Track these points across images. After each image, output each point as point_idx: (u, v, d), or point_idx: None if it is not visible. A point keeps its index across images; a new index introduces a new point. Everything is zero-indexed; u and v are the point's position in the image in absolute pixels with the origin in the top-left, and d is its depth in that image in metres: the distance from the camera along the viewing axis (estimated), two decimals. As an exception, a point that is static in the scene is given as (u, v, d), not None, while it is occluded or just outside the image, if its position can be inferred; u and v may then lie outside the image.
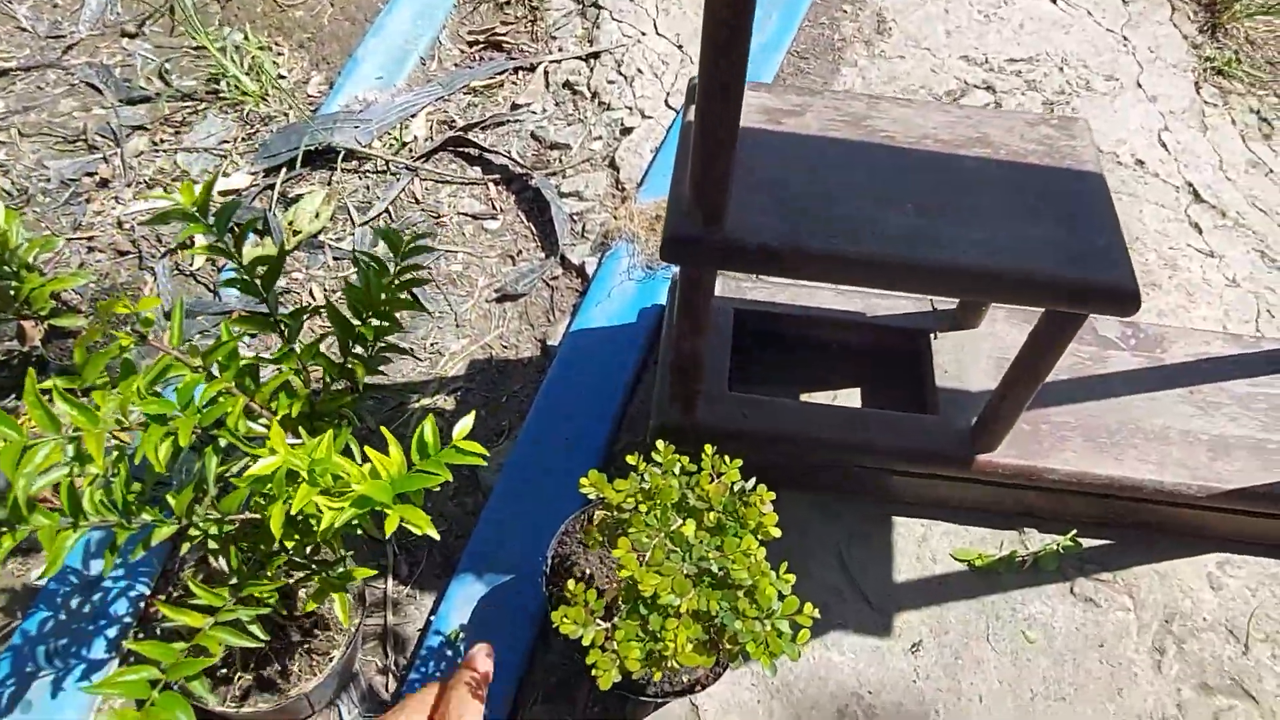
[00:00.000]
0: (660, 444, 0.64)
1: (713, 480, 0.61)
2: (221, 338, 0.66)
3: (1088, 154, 0.79)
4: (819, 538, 0.94)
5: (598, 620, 0.58)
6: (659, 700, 0.71)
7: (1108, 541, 0.94)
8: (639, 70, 1.42)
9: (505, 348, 1.13)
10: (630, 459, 0.63)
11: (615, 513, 0.61)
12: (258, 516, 0.65)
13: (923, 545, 0.94)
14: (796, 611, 0.57)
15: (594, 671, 0.56)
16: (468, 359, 1.12)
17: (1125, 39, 1.53)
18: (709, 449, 0.63)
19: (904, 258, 0.70)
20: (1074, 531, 0.91)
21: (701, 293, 0.77)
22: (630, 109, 1.37)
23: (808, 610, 0.56)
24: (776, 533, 0.59)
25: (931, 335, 0.98)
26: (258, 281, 0.69)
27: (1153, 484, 0.87)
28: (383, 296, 0.71)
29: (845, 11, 1.55)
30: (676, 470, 0.62)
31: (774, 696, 0.84)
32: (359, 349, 0.73)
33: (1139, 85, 1.46)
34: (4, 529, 0.57)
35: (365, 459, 0.59)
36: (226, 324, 0.67)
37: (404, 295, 0.72)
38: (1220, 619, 0.90)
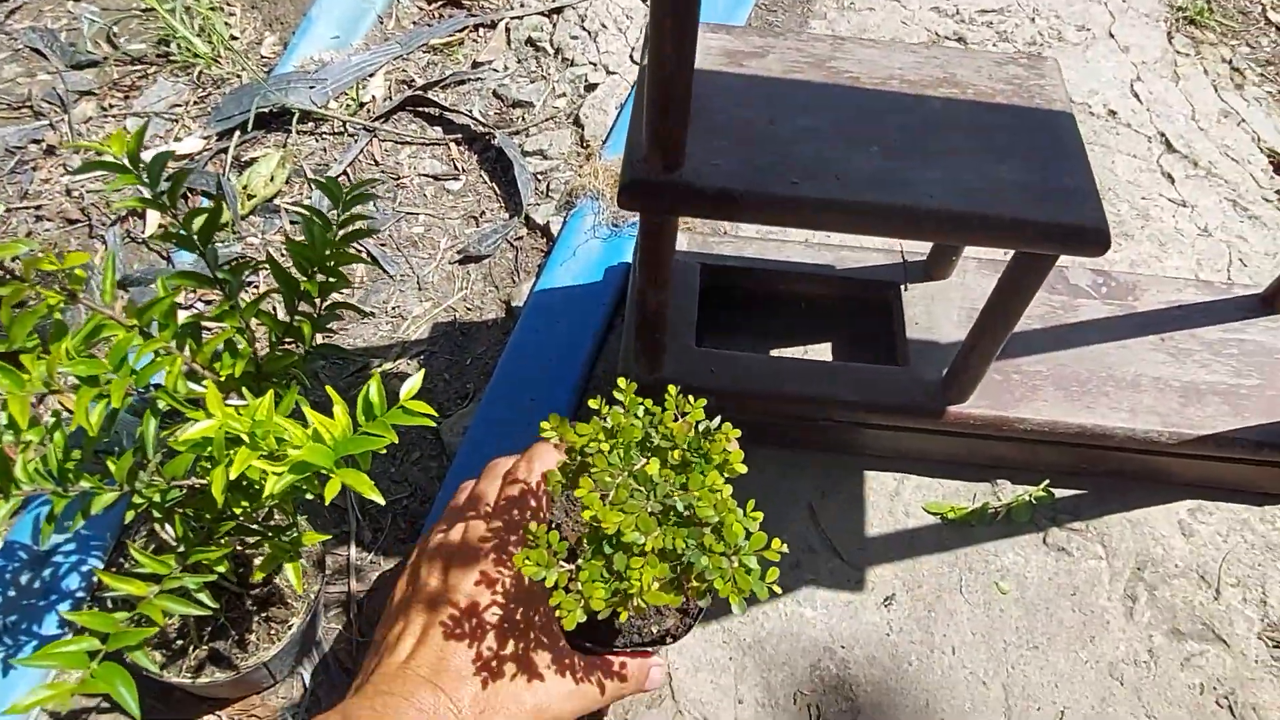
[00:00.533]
0: (623, 381, 0.61)
1: (677, 420, 0.59)
2: (158, 294, 0.63)
3: (1057, 93, 0.77)
4: (790, 494, 0.92)
5: (561, 562, 0.56)
6: (630, 652, 0.69)
7: (1080, 491, 0.93)
8: (603, 25, 1.38)
9: (469, 310, 1.11)
10: (593, 403, 0.61)
11: (578, 456, 0.58)
12: (203, 482, 0.63)
13: (895, 499, 0.93)
14: (764, 547, 0.54)
15: (558, 613, 0.53)
16: (430, 322, 1.09)
17: (1097, -12, 1.51)
18: (673, 389, 0.61)
19: (869, 201, 0.67)
20: (1046, 481, 0.91)
21: (663, 242, 0.75)
22: (594, 65, 1.33)
23: (775, 545, 0.54)
24: (742, 468, 0.57)
25: (901, 287, 0.96)
26: (195, 237, 0.66)
27: (1125, 431, 0.86)
28: (327, 252, 0.68)
29: (814, -37, 1.51)
30: (640, 411, 0.60)
31: (745, 653, 0.83)
32: (305, 306, 0.70)
33: (1111, 35, 1.44)
34: (-73, 499, 0.55)
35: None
36: (163, 279, 0.64)
37: (351, 249, 0.69)
38: (1192, 565, 0.90)
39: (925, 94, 0.76)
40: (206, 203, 1.19)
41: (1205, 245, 1.17)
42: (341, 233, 0.68)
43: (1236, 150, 1.30)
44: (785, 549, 0.55)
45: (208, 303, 1.12)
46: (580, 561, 0.56)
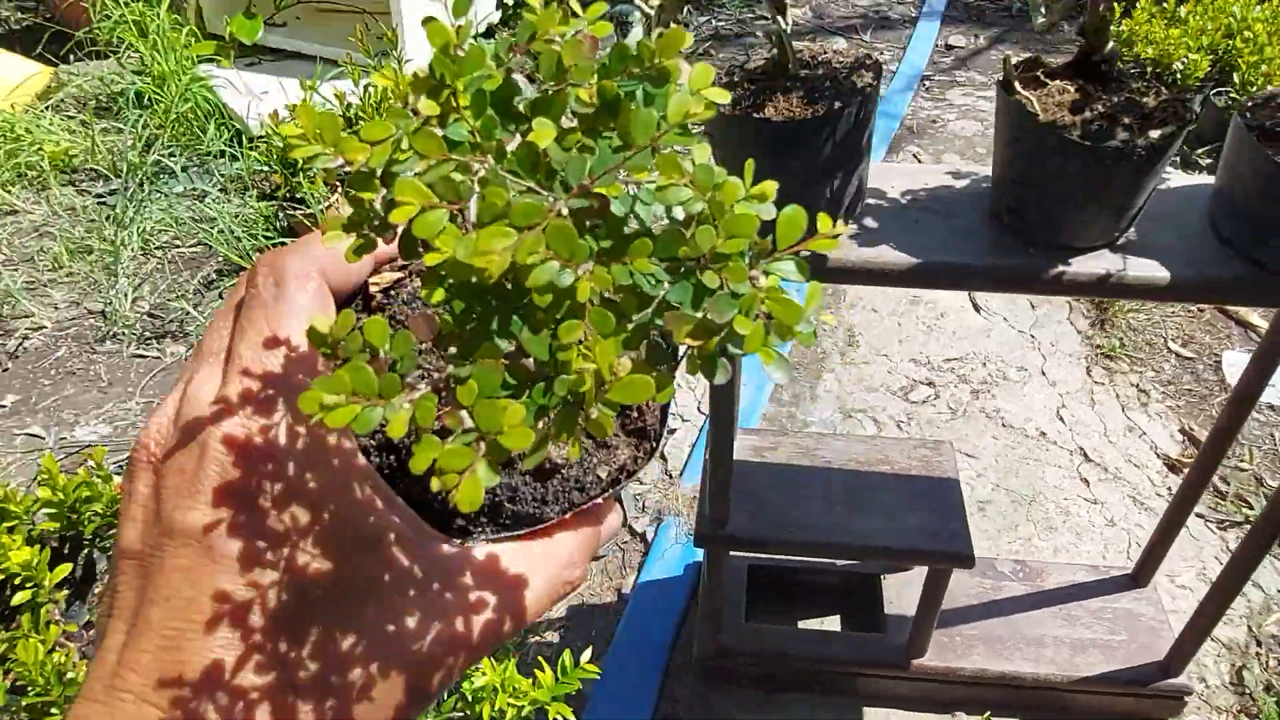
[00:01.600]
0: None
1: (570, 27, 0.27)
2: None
3: (949, 466, 1.30)
4: (816, 725, 1.37)
5: (409, 385, 0.25)
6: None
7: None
8: (677, 385, 2.01)
9: (592, 595, 1.63)
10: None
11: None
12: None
13: (888, 728, 1.36)
14: (803, 238, 0.26)
15: (442, 485, 0.24)
16: (565, 604, 1.61)
17: (1033, 337, 2.09)
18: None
19: (833, 541, 1.20)
20: (988, 713, 1.33)
21: (720, 562, 1.27)
22: (673, 414, 1.94)
23: (823, 238, 0.27)
24: (723, 95, 0.26)
25: (881, 576, 1.45)
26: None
27: (1033, 676, 1.30)
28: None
29: (824, 331, 2.15)
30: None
31: None
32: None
33: (1043, 373, 2.00)
34: None
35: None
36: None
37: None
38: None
39: (870, 470, 1.30)
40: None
41: (1111, 534, 1.64)
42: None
43: (1138, 456, 1.79)
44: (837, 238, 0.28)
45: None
46: (452, 369, 0.26)
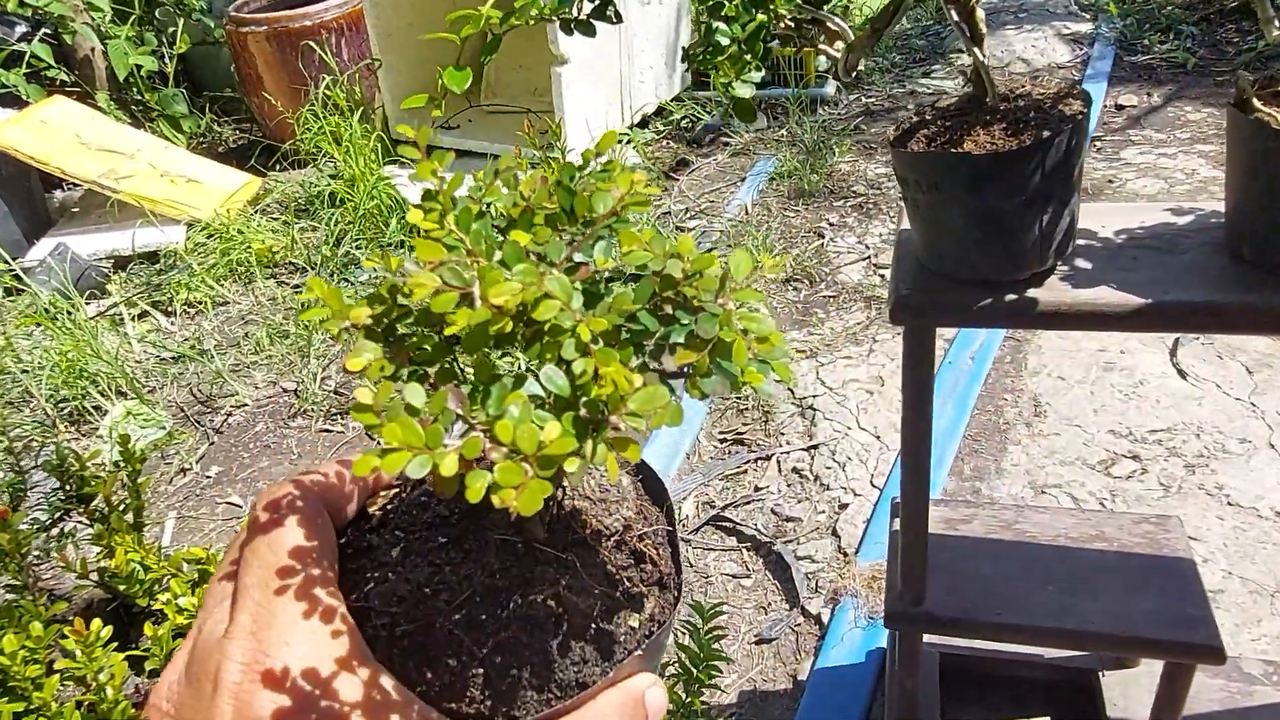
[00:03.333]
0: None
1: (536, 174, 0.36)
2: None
3: (1180, 544, 1.14)
4: (1031, 843, 1.19)
5: (446, 432, 0.29)
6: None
7: None
8: (849, 458, 1.91)
9: (765, 681, 1.53)
10: None
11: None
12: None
13: None
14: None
15: (501, 501, 0.27)
16: (737, 690, 1.52)
17: (1253, 405, 1.86)
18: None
19: (1048, 626, 1.06)
20: (1250, 844, 1.12)
21: (913, 647, 1.16)
22: (845, 489, 1.84)
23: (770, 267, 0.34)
24: (655, 190, 0.35)
25: (1099, 673, 1.28)
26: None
27: (1306, 801, 1.09)
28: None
29: (1006, 399, 2.00)
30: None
31: None
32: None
33: (1271, 445, 1.76)
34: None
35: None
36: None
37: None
38: None
39: (1083, 546, 1.16)
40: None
41: (1386, 634, 1.38)
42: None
43: None
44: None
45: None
46: (485, 414, 0.29)
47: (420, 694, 0.33)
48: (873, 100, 3.66)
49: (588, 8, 0.68)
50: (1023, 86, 0.86)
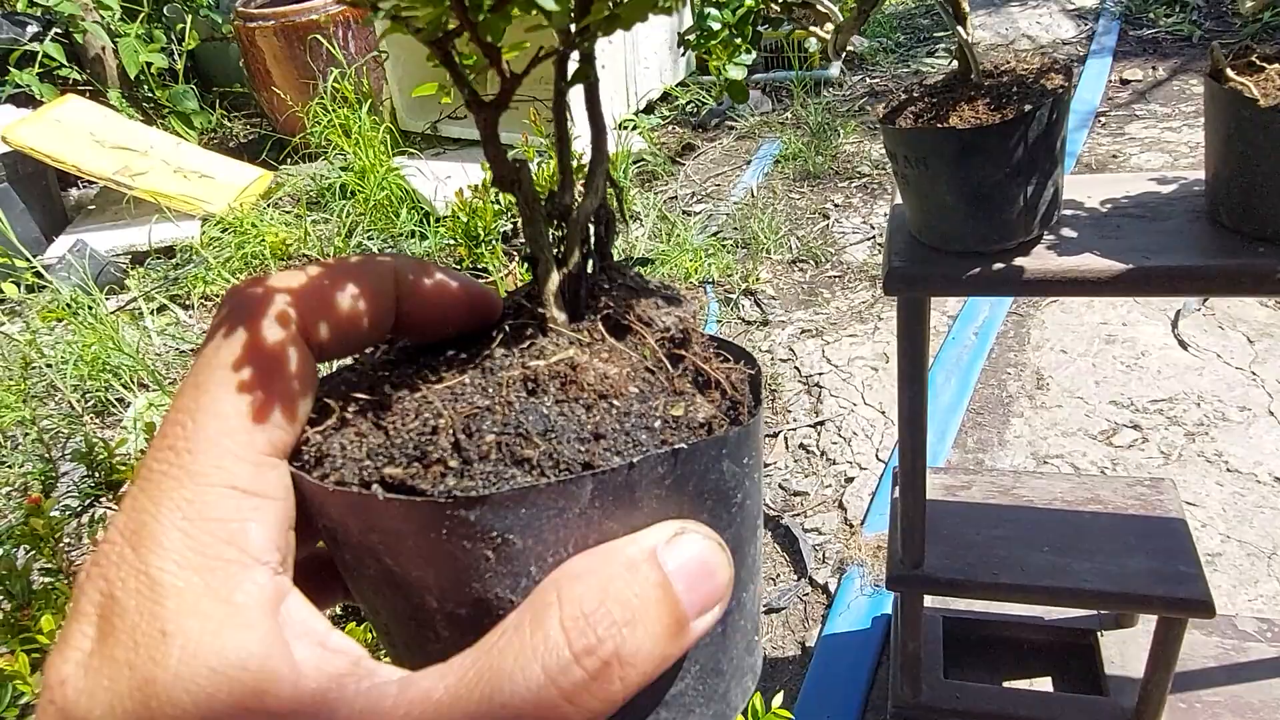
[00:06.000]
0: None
1: None
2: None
3: (1173, 505, 1.18)
4: (1032, 796, 1.24)
5: None
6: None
7: (1283, 805, 1.17)
8: (854, 433, 1.95)
9: (774, 649, 1.57)
10: None
11: None
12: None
13: (1119, 804, 1.21)
14: None
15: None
16: (749, 657, 1.56)
17: (1254, 373, 1.88)
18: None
19: (1044, 585, 1.10)
20: (1243, 792, 1.16)
21: (915, 609, 1.20)
22: (850, 463, 1.88)
23: None
24: None
25: (1098, 633, 1.32)
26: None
27: (1297, 750, 1.13)
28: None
29: (1010, 373, 2.03)
30: None
31: None
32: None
33: (1271, 413, 1.79)
34: None
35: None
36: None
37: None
38: None
39: (1078, 509, 1.20)
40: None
41: (1381, 592, 1.41)
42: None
43: (1407, 506, 1.55)
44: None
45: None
46: None
47: (363, 466, 0.26)
48: (877, 81, 3.67)
49: None
50: (1007, 63, 0.90)
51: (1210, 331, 2.01)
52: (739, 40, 0.70)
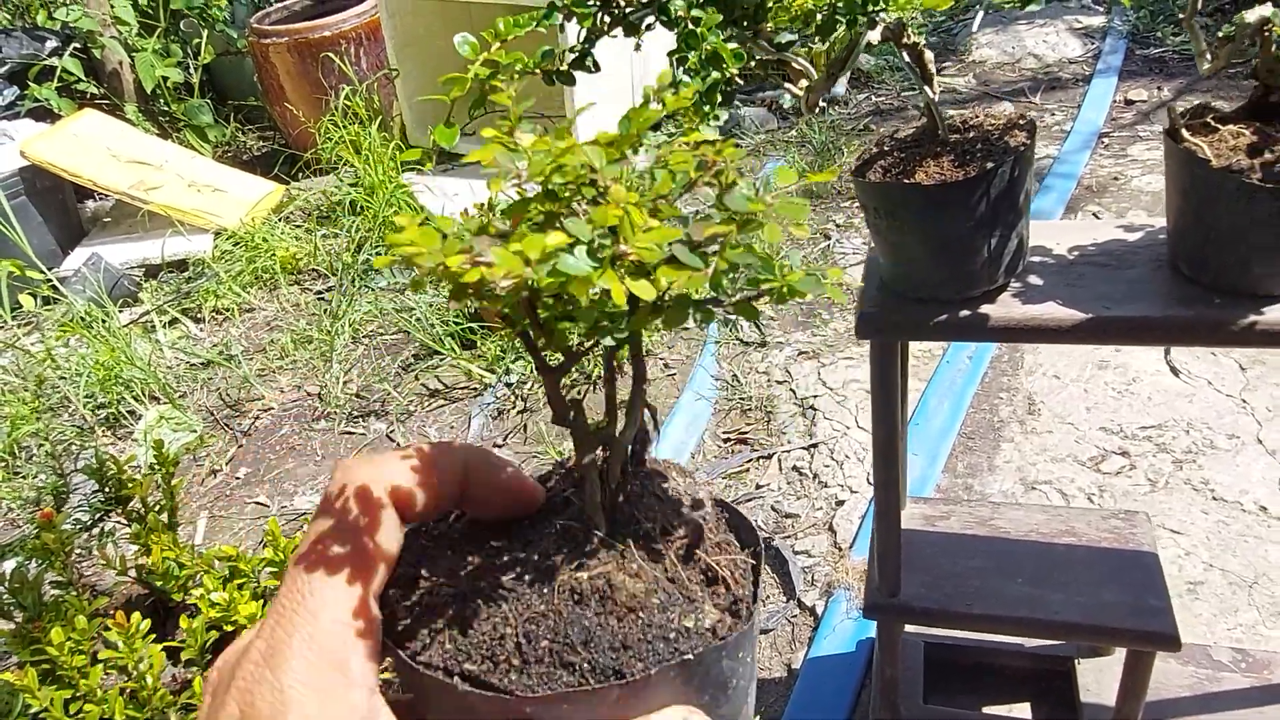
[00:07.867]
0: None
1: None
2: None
3: (1146, 540, 1.20)
4: (1007, 821, 1.26)
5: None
6: None
7: (1253, 834, 1.19)
8: (847, 456, 1.98)
9: (761, 670, 1.60)
10: None
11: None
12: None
13: (1092, 830, 1.23)
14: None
15: (491, 275, 0.29)
16: (737, 677, 1.59)
17: (1244, 401, 1.90)
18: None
19: (1016, 616, 1.13)
20: (1213, 822, 1.18)
21: (893, 636, 1.23)
22: (842, 486, 1.91)
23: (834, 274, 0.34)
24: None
25: (1075, 661, 1.34)
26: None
27: (1265, 782, 1.15)
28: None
29: (1002, 398, 2.06)
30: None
31: None
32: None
33: (1259, 441, 1.81)
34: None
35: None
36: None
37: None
38: None
39: (1054, 541, 1.23)
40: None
41: (1359, 624, 1.43)
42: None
43: (1389, 537, 1.57)
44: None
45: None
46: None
47: (447, 654, 0.34)
48: (882, 99, 3.70)
49: (569, 58, 0.76)
50: (975, 117, 0.93)
51: (1203, 358, 2.03)
52: (707, 108, 0.74)
